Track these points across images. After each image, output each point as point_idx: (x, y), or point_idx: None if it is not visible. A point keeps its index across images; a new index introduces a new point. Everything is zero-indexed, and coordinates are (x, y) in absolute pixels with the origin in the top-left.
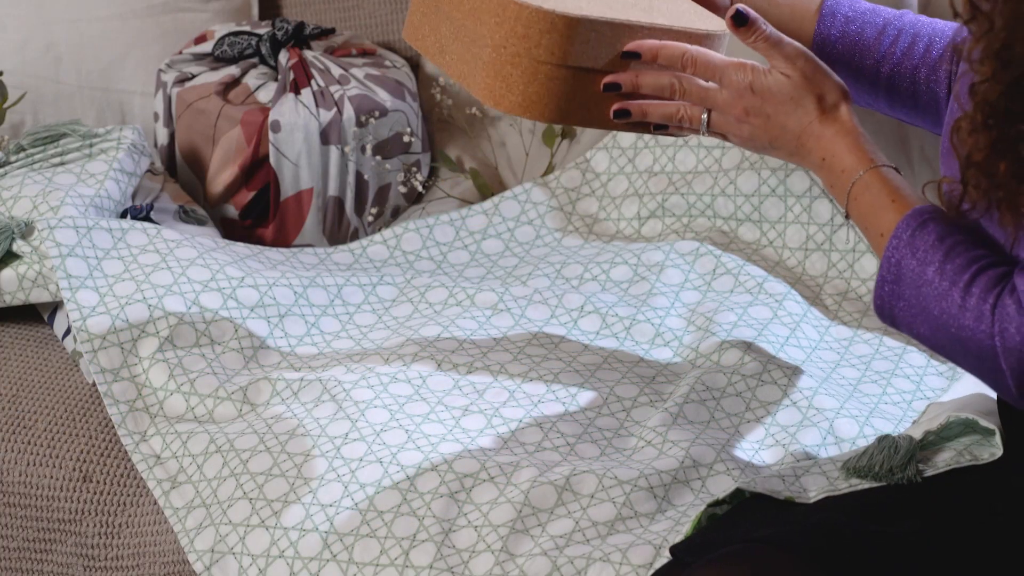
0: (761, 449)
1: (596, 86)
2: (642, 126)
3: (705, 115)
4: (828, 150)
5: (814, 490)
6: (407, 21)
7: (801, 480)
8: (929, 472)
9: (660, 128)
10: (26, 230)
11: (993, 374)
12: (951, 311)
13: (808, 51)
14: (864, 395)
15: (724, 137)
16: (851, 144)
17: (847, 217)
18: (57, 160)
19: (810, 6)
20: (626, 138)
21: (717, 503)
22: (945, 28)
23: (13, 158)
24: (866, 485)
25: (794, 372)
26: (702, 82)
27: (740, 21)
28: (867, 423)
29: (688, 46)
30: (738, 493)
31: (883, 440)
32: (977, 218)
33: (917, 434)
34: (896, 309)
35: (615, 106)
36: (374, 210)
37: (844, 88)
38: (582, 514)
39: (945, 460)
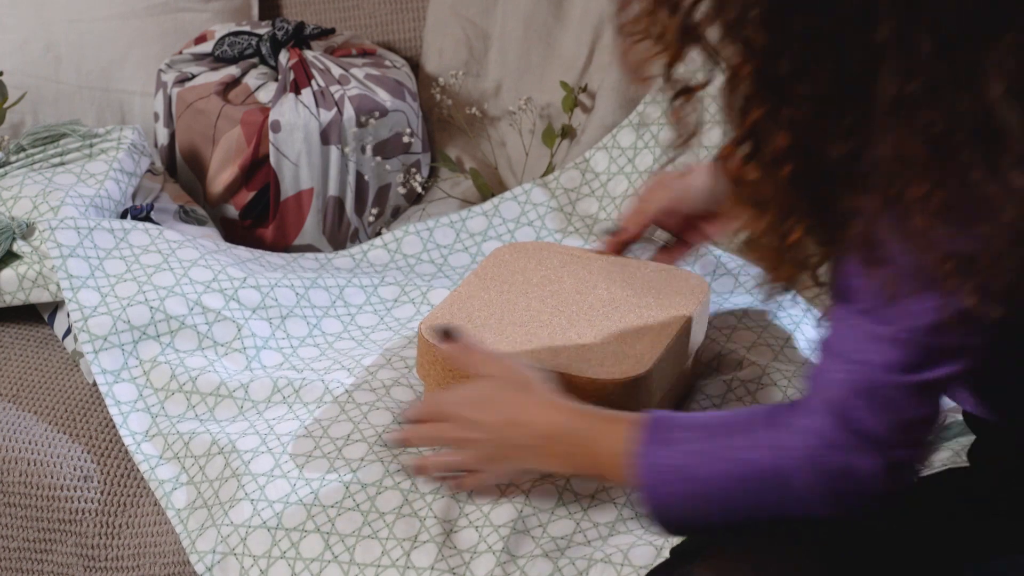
0: None
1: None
2: None
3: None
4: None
5: None
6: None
7: None
8: (925, 472)
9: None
10: (26, 230)
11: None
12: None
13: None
14: None
15: (476, 473)
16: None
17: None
18: (57, 160)
19: None
20: (626, 138)
21: None
22: None
23: (13, 158)
24: None
25: (794, 373)
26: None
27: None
28: None
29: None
30: None
31: None
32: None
33: None
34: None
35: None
36: (374, 210)
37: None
38: (583, 515)
39: (941, 460)
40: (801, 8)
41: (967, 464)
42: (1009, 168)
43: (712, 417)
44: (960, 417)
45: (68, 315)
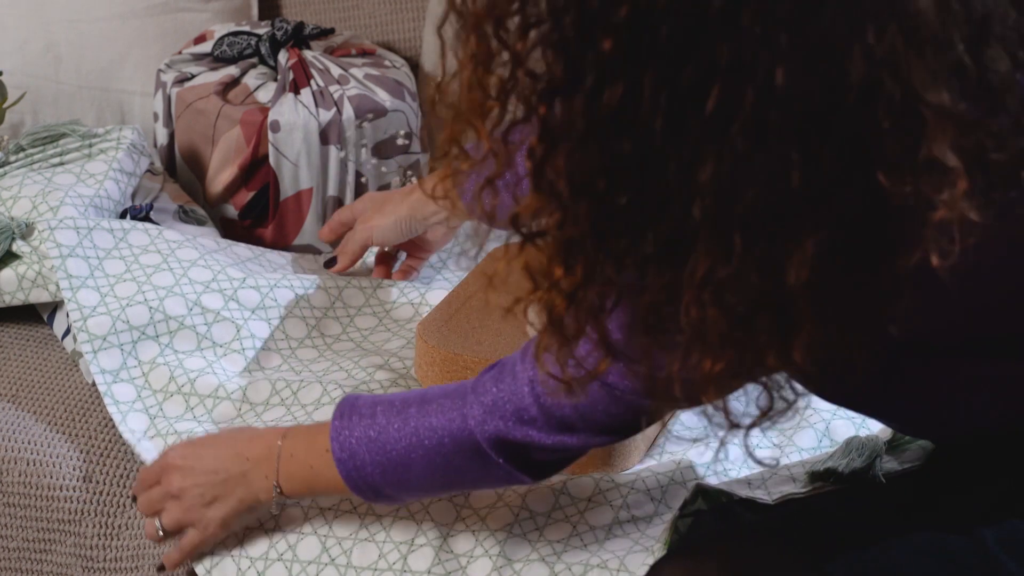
0: (757, 448)
1: None
2: None
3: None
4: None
5: (778, 494)
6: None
7: (767, 483)
8: (896, 471)
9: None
10: (26, 230)
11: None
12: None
13: None
14: None
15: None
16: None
17: (281, 493)
18: (57, 160)
19: None
20: None
21: (686, 513)
22: None
23: (13, 158)
24: (829, 488)
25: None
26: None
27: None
28: (863, 425)
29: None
30: (706, 494)
31: (850, 443)
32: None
33: (886, 434)
34: (376, 477)
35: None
36: None
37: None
38: (579, 518)
39: (910, 459)
40: (629, 169)
41: (923, 466)
42: (797, 352)
43: (399, 392)
44: None
45: (67, 315)
